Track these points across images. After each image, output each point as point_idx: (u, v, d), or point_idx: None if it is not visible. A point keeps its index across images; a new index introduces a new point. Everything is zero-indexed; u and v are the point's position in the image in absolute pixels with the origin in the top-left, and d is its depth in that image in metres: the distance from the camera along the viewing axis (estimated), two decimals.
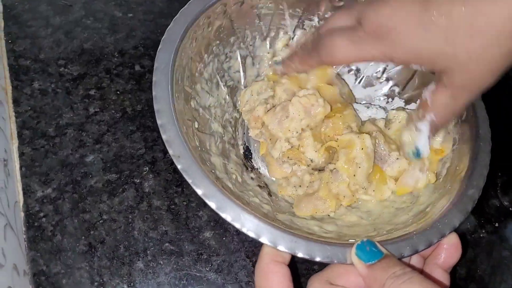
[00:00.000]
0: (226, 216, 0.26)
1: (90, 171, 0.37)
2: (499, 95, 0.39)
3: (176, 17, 0.33)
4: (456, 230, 0.29)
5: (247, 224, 0.26)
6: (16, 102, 0.38)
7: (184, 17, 0.33)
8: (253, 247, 0.36)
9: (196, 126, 0.33)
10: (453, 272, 0.38)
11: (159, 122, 0.28)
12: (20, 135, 0.37)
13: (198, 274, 0.34)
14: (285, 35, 0.40)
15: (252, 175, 0.36)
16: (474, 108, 0.34)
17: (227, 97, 0.38)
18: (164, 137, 0.28)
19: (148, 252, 0.34)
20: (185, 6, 0.33)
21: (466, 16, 0.23)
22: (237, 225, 0.26)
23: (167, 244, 0.35)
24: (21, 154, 0.36)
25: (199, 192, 0.27)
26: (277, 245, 0.25)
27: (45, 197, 0.35)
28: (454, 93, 0.27)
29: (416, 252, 0.27)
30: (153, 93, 0.29)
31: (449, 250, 0.28)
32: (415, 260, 0.30)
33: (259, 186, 0.35)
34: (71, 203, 0.35)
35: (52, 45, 0.42)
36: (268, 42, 0.40)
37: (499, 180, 0.44)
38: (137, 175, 0.37)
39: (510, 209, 0.43)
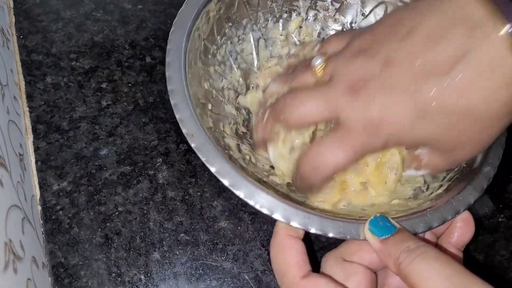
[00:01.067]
0: (240, 193, 0.26)
1: (105, 164, 0.37)
2: None
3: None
4: (474, 215, 0.29)
5: (260, 201, 0.26)
6: (29, 97, 0.39)
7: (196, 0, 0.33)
8: (268, 236, 0.36)
9: (210, 107, 0.33)
10: (471, 258, 0.38)
11: (172, 102, 0.28)
12: (34, 130, 0.37)
13: (214, 264, 0.34)
14: (298, 16, 0.39)
15: (265, 155, 0.35)
16: None
17: (241, 79, 0.37)
18: (177, 116, 0.28)
19: (164, 242, 0.34)
20: None
21: (464, 106, 0.22)
22: (251, 202, 0.26)
23: (182, 234, 0.35)
24: (36, 149, 0.37)
25: (213, 169, 0.27)
26: (290, 221, 0.25)
27: (61, 190, 0.35)
28: (450, 163, 0.28)
29: (430, 228, 0.27)
30: (166, 73, 0.29)
31: (462, 228, 0.28)
32: (428, 237, 0.30)
33: (272, 167, 0.35)
34: (87, 196, 0.35)
35: (63, 39, 0.42)
36: (281, 24, 0.39)
37: None
38: (151, 166, 0.37)
39: None
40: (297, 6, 0.39)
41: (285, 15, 0.39)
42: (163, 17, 0.45)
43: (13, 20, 0.43)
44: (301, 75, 0.30)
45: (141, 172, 0.37)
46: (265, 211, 0.26)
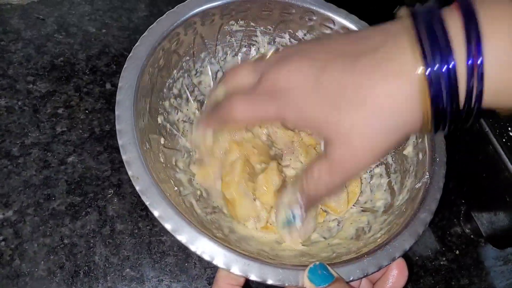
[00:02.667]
0: (182, 238, 0.26)
1: (54, 193, 0.36)
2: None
3: (143, 35, 0.33)
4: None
5: (202, 247, 0.26)
6: None
7: (152, 35, 0.33)
8: (214, 273, 0.36)
9: (163, 142, 0.33)
10: None
11: (120, 142, 0.28)
12: None
13: None
14: (257, 51, 0.40)
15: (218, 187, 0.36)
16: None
17: (197, 111, 0.38)
18: (124, 157, 0.28)
19: (108, 278, 0.34)
20: (154, 23, 0.33)
21: (353, 86, 0.23)
22: (192, 248, 0.26)
23: (128, 269, 0.35)
24: None
25: (156, 213, 0.27)
26: (230, 268, 0.26)
27: (5, 220, 0.35)
28: (331, 168, 0.26)
29: (367, 275, 0.28)
30: (116, 112, 0.29)
31: (397, 275, 0.29)
32: (363, 284, 0.31)
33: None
34: (32, 227, 0.35)
35: (22, 61, 0.42)
36: (239, 58, 0.40)
37: (462, 208, 0.45)
38: (102, 197, 0.37)
39: (471, 236, 0.44)
40: (256, 41, 0.40)
41: (244, 49, 0.40)
42: (127, 43, 0.45)
43: None
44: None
45: (90, 204, 0.37)
46: (206, 257, 0.26)
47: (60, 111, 0.40)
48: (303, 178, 0.27)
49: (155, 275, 0.35)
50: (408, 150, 0.36)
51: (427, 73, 0.21)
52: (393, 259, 0.28)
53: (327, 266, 0.27)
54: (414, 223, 0.30)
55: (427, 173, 0.33)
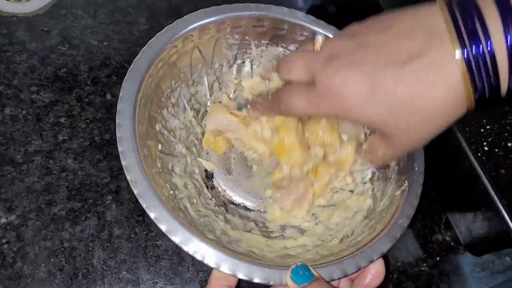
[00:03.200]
0: (175, 239, 0.29)
1: (55, 199, 0.38)
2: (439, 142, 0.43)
3: (143, 48, 0.35)
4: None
5: (194, 247, 0.28)
6: None
7: (152, 48, 0.35)
8: (207, 277, 0.38)
9: (160, 148, 0.36)
10: None
11: (120, 149, 0.31)
12: None
13: None
14: (251, 63, 0.43)
15: (211, 193, 0.38)
16: None
17: (193, 119, 0.41)
18: (123, 163, 0.30)
19: (106, 280, 0.36)
20: (153, 38, 0.36)
21: (407, 96, 0.26)
22: (185, 248, 0.28)
23: (124, 272, 0.37)
24: None
25: (152, 215, 0.29)
26: (220, 267, 0.28)
27: (9, 224, 0.36)
28: (393, 150, 0.30)
29: (346, 275, 0.30)
30: (117, 121, 0.32)
31: (374, 273, 0.32)
32: (343, 281, 0.34)
33: (217, 205, 0.38)
34: (34, 231, 0.37)
35: (26, 71, 0.44)
36: (234, 69, 0.43)
37: (443, 216, 0.48)
38: (101, 203, 0.39)
39: (451, 244, 0.47)
40: (251, 54, 0.42)
41: (238, 61, 0.42)
42: (127, 56, 0.47)
43: None
44: (305, 46, 0.36)
45: (90, 209, 0.39)
46: (198, 256, 0.28)
47: (62, 120, 0.42)
48: (366, 156, 0.34)
49: (150, 277, 0.37)
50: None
51: (468, 68, 0.24)
52: (371, 261, 0.31)
53: (309, 266, 0.29)
54: (393, 227, 0.33)
55: (406, 181, 0.36)
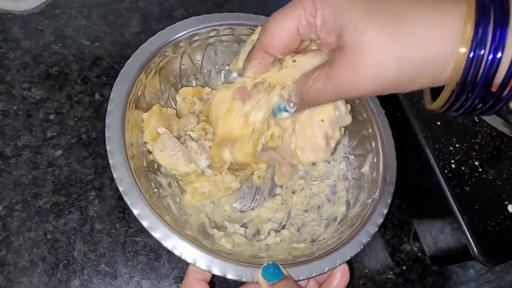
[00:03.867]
0: (156, 234, 0.31)
1: (41, 192, 0.40)
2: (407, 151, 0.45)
3: (135, 52, 0.37)
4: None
5: (173, 243, 0.31)
6: None
7: (143, 53, 0.37)
8: (181, 274, 0.40)
9: (146, 148, 0.38)
10: None
11: (108, 148, 0.33)
12: None
13: None
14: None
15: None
16: (385, 155, 0.40)
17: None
18: (111, 161, 0.32)
19: (85, 271, 0.38)
20: (145, 43, 0.38)
21: (398, 5, 0.22)
22: (165, 244, 0.31)
23: (103, 265, 0.39)
24: None
25: (135, 212, 0.31)
26: (196, 263, 0.30)
27: None
28: (328, 79, 0.25)
29: (313, 276, 0.32)
30: (106, 121, 0.34)
31: (340, 278, 0.34)
32: (311, 284, 0.36)
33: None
34: (19, 221, 0.39)
35: (19, 68, 0.46)
36: (222, 74, 0.45)
37: (412, 227, 0.50)
38: (84, 199, 0.41)
39: (419, 254, 0.49)
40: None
41: (227, 67, 0.44)
42: (118, 57, 0.49)
43: None
44: None
45: (73, 204, 0.41)
46: (176, 252, 0.31)
47: (51, 117, 0.44)
48: (302, 82, 0.28)
49: (127, 271, 0.39)
50: (365, 169, 0.41)
51: (473, 31, 0.20)
52: (337, 265, 0.33)
53: (279, 265, 0.31)
54: (361, 234, 0.35)
55: (378, 190, 0.38)
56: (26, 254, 0.38)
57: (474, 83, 0.21)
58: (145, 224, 0.31)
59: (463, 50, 0.21)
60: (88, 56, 0.48)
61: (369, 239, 0.35)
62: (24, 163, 0.41)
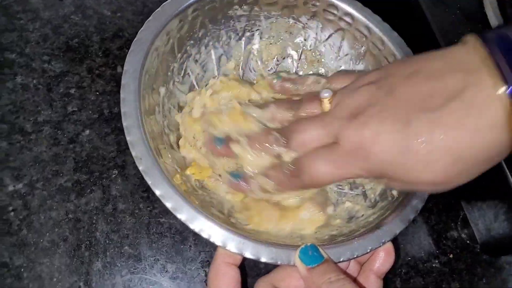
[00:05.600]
0: (181, 216, 0.28)
1: (62, 170, 0.38)
2: None
3: (149, 19, 0.34)
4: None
5: (200, 225, 0.28)
6: None
7: (157, 20, 0.34)
8: (208, 258, 0.38)
9: (166, 123, 0.35)
10: None
11: (124, 124, 0.30)
12: None
13: (152, 279, 0.36)
14: (261, 35, 0.41)
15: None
16: None
17: (198, 97, 0.39)
18: (128, 138, 0.29)
19: (108, 253, 0.36)
20: (158, 8, 0.34)
21: (447, 144, 0.23)
22: (191, 226, 0.28)
23: (126, 247, 0.37)
24: None
25: (157, 192, 0.28)
26: (226, 245, 0.27)
27: (16, 192, 0.37)
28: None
29: (356, 257, 0.29)
30: (121, 95, 0.31)
31: (383, 258, 0.31)
32: (352, 265, 0.32)
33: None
34: (40, 200, 0.37)
35: (39, 40, 0.43)
36: (243, 42, 0.41)
37: (461, 212, 0.45)
38: (106, 177, 0.39)
39: (467, 241, 0.44)
40: (260, 26, 0.40)
41: (247, 34, 0.40)
42: (140, 28, 0.46)
43: None
44: (307, 105, 0.32)
45: (95, 182, 0.39)
46: (204, 235, 0.28)
47: (72, 91, 0.42)
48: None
49: (151, 254, 0.37)
50: None
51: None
52: (382, 243, 0.29)
53: (318, 247, 0.28)
54: (406, 209, 0.31)
55: None
56: (47, 234, 0.36)
57: None
58: (168, 205, 0.28)
59: (502, 90, 0.21)
60: (110, 27, 0.46)
61: (415, 215, 0.31)
62: (44, 139, 0.39)
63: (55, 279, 0.35)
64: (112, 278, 0.36)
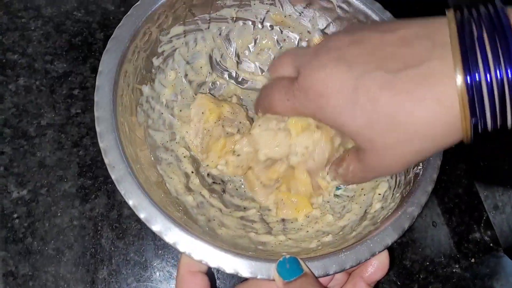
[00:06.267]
0: (155, 228, 0.26)
1: (66, 175, 0.38)
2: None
3: (127, 14, 0.31)
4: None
5: (174, 237, 0.26)
6: (0, 98, 0.39)
7: (137, 13, 0.31)
8: None
9: (150, 123, 0.33)
10: None
11: (97, 129, 0.28)
12: (1, 134, 0.38)
13: (159, 287, 0.35)
14: (254, 25, 0.38)
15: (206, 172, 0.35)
16: None
17: (190, 91, 0.37)
18: (101, 145, 0.27)
19: (113, 261, 0.36)
20: (138, 1, 0.31)
21: (390, 108, 0.23)
22: (166, 238, 0.26)
23: (132, 254, 0.36)
24: (1, 153, 0.37)
25: (130, 203, 0.26)
26: (203, 260, 0.26)
27: (20, 199, 0.36)
28: (364, 169, 0.28)
29: (343, 270, 0.27)
30: (95, 98, 0.28)
31: (376, 266, 0.29)
32: (340, 274, 0.30)
33: (214, 182, 0.35)
34: (44, 207, 0.36)
35: (41, 39, 0.42)
36: (234, 33, 0.38)
37: (484, 213, 0.43)
38: (111, 182, 0.38)
39: (491, 244, 0.42)
40: (253, 15, 0.37)
41: (240, 23, 0.37)
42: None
43: None
44: None
45: (100, 187, 0.38)
46: (180, 248, 0.26)
47: (75, 92, 0.41)
48: (334, 170, 0.31)
49: (158, 261, 0.36)
50: None
51: (468, 94, 0.21)
52: (373, 255, 0.27)
53: (298, 259, 0.26)
54: (400, 217, 0.28)
55: (420, 164, 0.31)
56: (52, 241, 0.35)
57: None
58: (141, 216, 0.26)
59: (459, 77, 0.21)
60: (113, 23, 0.44)
61: (410, 223, 0.28)
62: (48, 143, 0.38)
63: None
64: (118, 286, 0.35)
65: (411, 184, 0.30)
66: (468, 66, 0.21)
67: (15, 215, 0.36)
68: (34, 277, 0.34)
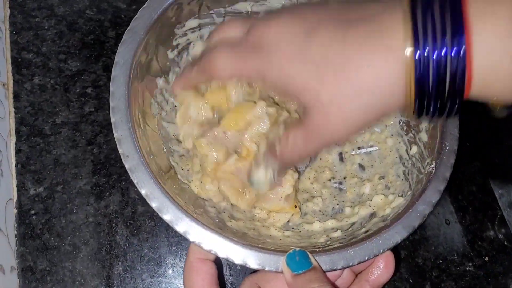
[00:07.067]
0: (166, 217, 0.27)
1: (81, 173, 0.38)
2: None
3: (143, 6, 0.31)
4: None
5: (185, 227, 0.27)
6: (16, 97, 0.40)
7: (153, 6, 0.31)
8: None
9: (164, 115, 0.34)
10: None
11: (112, 119, 0.29)
12: (18, 132, 0.39)
13: (172, 283, 0.36)
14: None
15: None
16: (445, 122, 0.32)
17: None
18: (116, 135, 0.28)
19: (128, 257, 0.36)
20: None
21: (339, 58, 0.22)
22: (176, 228, 0.27)
23: (146, 251, 0.37)
24: (18, 151, 0.38)
25: (142, 192, 0.27)
26: (212, 250, 0.26)
27: (37, 196, 0.37)
28: (306, 136, 0.25)
29: (351, 265, 0.27)
30: (110, 89, 0.29)
31: (382, 268, 0.29)
32: (346, 273, 0.30)
33: None
34: (60, 203, 0.37)
35: (55, 38, 0.43)
36: None
37: (499, 211, 0.42)
38: (125, 179, 0.38)
39: (505, 243, 0.41)
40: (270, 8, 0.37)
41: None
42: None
43: (8, 13, 0.43)
44: None
45: (114, 185, 0.38)
46: (190, 238, 0.26)
47: (88, 90, 0.41)
48: (278, 143, 0.28)
49: (172, 258, 0.37)
50: (420, 136, 0.34)
51: (416, 56, 0.20)
52: (381, 252, 0.27)
53: (307, 253, 0.27)
54: (410, 215, 0.28)
55: (433, 162, 0.31)
56: (69, 238, 0.36)
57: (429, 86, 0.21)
58: (153, 205, 0.27)
59: (409, 52, 0.21)
60: (125, 21, 0.44)
61: (421, 222, 0.28)
62: (63, 141, 0.39)
63: (77, 283, 0.35)
64: (133, 281, 0.36)
65: (423, 183, 0.30)
66: (417, 35, 0.20)
67: (33, 212, 0.37)
68: (51, 272, 0.35)
